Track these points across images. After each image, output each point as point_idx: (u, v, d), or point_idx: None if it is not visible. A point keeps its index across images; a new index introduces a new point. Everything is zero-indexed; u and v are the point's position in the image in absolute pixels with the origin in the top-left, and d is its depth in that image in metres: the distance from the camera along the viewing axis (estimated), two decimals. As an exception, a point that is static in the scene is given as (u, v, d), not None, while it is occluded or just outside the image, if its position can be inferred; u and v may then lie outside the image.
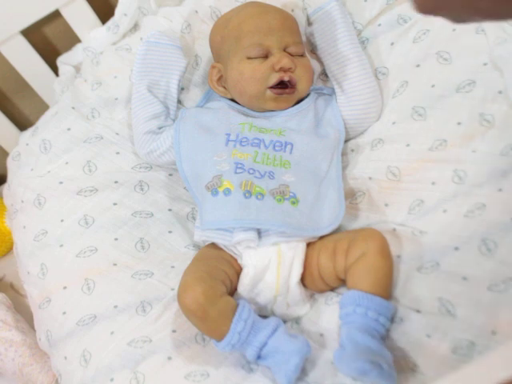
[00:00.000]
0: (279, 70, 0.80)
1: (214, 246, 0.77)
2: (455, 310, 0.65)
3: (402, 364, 0.64)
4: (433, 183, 0.75)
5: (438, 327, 0.65)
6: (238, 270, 0.75)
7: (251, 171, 0.77)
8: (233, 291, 0.74)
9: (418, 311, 0.67)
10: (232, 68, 0.84)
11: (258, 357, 0.68)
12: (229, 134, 0.82)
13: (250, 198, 0.74)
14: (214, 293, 0.67)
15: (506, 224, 0.67)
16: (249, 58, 0.82)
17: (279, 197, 0.75)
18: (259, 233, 0.74)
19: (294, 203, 0.75)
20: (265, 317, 0.72)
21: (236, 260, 0.75)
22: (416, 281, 0.69)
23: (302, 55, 0.85)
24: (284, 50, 0.82)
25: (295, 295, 0.73)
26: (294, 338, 0.67)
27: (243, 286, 0.73)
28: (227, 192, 0.74)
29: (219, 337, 0.67)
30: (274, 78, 0.81)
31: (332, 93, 0.88)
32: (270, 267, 0.73)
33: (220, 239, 0.74)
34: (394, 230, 0.75)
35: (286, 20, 0.85)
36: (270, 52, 0.82)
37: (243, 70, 0.82)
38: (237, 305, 0.69)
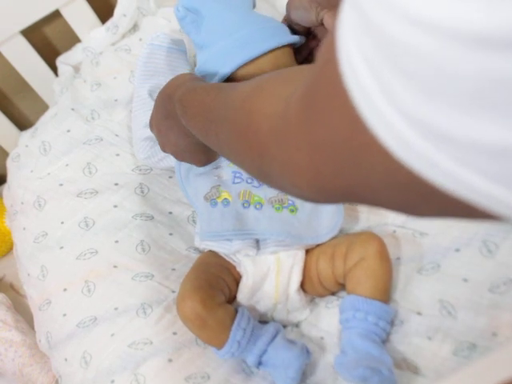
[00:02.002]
0: None
1: (213, 252, 0.76)
2: (456, 312, 0.65)
3: (403, 366, 0.64)
4: (433, 184, 0.75)
5: (439, 329, 0.65)
6: (237, 278, 0.74)
7: (249, 180, 0.76)
8: (232, 299, 0.73)
9: (419, 313, 0.67)
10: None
11: (259, 363, 0.68)
12: (227, 143, 0.81)
13: (248, 207, 0.74)
14: (212, 302, 0.67)
15: (507, 225, 0.67)
16: None
17: (278, 205, 0.74)
18: (258, 241, 0.73)
19: (292, 211, 0.74)
20: (265, 322, 0.72)
21: (235, 267, 0.75)
22: (416, 283, 0.69)
23: None
24: None
25: (295, 302, 0.73)
26: (293, 345, 0.67)
27: (242, 295, 0.73)
28: (226, 203, 0.74)
29: (219, 345, 0.67)
30: None
31: None
32: (269, 276, 0.72)
33: (219, 248, 0.74)
34: (394, 231, 0.74)
35: None
36: None
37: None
38: (236, 313, 0.69)
